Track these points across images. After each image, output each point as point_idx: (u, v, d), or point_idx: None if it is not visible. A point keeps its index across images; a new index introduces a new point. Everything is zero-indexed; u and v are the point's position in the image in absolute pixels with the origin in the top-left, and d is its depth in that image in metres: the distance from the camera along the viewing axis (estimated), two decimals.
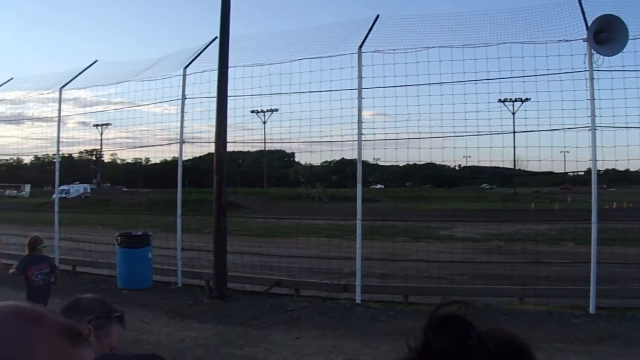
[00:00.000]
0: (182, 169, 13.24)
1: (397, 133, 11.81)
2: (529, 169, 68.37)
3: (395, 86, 11.64)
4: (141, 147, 16.16)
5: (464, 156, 39.17)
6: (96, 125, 27.13)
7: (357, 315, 10.26)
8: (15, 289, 12.05)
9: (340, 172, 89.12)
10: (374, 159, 18.99)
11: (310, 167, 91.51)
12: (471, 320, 1.23)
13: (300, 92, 12.28)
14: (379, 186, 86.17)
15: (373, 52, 11.59)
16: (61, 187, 17.06)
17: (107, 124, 22.46)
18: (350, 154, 12.88)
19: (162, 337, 8.93)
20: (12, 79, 17.59)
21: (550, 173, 57.53)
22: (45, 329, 1.09)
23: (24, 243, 18.23)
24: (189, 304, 11.12)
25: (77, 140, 25.31)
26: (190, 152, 13.61)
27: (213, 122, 12.65)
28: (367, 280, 11.64)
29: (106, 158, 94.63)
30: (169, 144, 14.39)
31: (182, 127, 13.10)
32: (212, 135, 13.11)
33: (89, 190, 70.49)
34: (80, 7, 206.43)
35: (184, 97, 13.10)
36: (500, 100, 12.37)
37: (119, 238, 13.07)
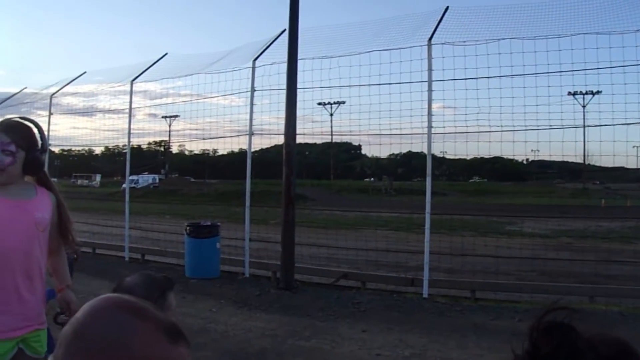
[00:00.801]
0: (251, 161, 13.28)
1: (467, 126, 11.65)
2: (600, 164, 66.74)
3: (465, 79, 11.46)
4: (210, 138, 16.31)
5: (532, 150, 38.58)
6: (165, 117, 27.57)
7: (424, 309, 10.16)
8: (99, 277, 12.37)
9: (407, 164, 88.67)
10: (441, 152, 18.78)
11: (376, 160, 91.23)
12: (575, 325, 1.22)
13: (369, 85, 12.23)
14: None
15: (443, 44, 11.42)
16: (130, 177, 17.36)
17: (176, 116, 22.78)
18: (416, 147, 12.77)
19: (229, 326, 8.99)
20: (85, 72, 17.97)
21: (622, 169, 56.16)
22: (147, 324, 1.15)
23: (95, 231, 18.79)
24: (256, 295, 11.17)
25: (146, 131, 25.73)
26: (258, 143, 13.68)
27: (280, 114, 12.68)
28: (434, 275, 11.50)
29: (174, 149, 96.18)
30: (238, 135, 14.48)
31: (251, 119, 13.14)
32: (280, 127, 13.14)
33: (157, 181, 71.60)
34: (152, 2, 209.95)
35: (253, 90, 13.14)
36: (570, 93, 12.07)
37: (187, 228, 13.22)
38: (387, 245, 17.43)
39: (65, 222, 3.67)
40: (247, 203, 13.23)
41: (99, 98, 18.68)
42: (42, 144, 3.54)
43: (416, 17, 12.59)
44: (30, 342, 3.40)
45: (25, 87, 21.17)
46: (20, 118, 3.61)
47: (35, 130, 3.54)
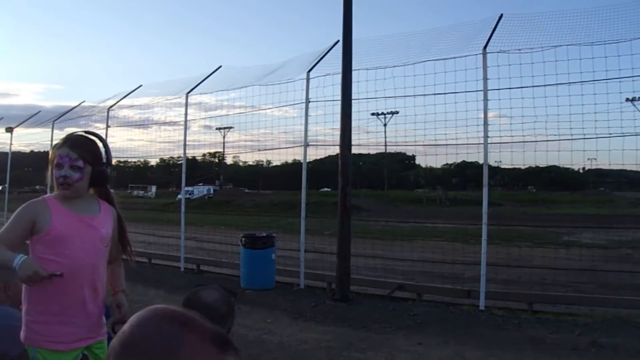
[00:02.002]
0: (306, 172, 13.28)
1: (523, 135, 11.47)
2: None
3: (521, 87, 11.30)
4: (265, 150, 16.40)
5: (589, 159, 37.82)
6: (219, 129, 27.80)
7: (480, 322, 10.01)
8: (154, 287, 12.50)
9: (461, 174, 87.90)
10: (495, 161, 18.57)
11: (430, 170, 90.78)
12: None
13: (424, 95, 12.14)
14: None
15: (498, 52, 11.30)
16: (185, 188, 17.56)
17: (230, 127, 22.95)
18: (470, 157, 12.65)
19: (284, 337, 8.98)
20: (141, 86, 18.33)
21: None
22: (195, 334, 1.15)
23: (151, 242, 18.99)
24: (311, 306, 11.15)
25: (201, 143, 26.02)
26: (312, 154, 13.69)
27: (334, 125, 12.69)
28: (489, 286, 11.31)
29: (228, 160, 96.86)
30: (293, 147, 14.53)
31: (306, 130, 13.16)
32: (334, 138, 13.16)
33: (211, 192, 72.22)
34: (206, 15, 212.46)
35: (307, 101, 13.16)
36: (628, 100, 11.79)
37: (243, 239, 13.28)
38: (442, 257, 17.28)
39: (125, 234, 3.78)
40: (303, 214, 13.22)
41: (154, 110, 18.98)
42: (107, 158, 3.62)
43: (470, 26, 12.51)
44: (93, 348, 3.51)
45: (84, 101, 21.67)
46: (85, 132, 3.67)
47: (100, 144, 3.61)
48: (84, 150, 3.45)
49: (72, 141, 3.47)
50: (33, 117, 24.34)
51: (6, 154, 26.32)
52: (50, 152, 3.55)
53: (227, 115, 17.10)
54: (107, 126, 18.32)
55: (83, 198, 3.53)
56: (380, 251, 16.46)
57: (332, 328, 9.66)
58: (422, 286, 12.41)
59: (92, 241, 3.45)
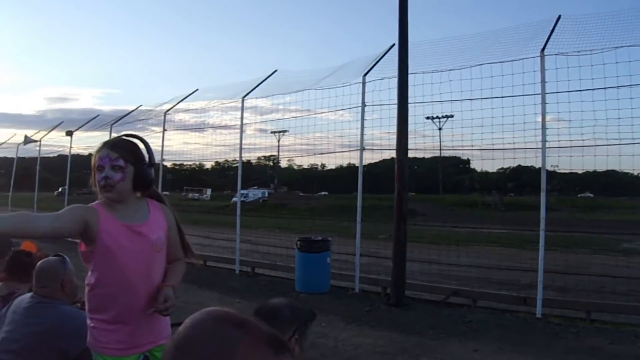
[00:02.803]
0: (362, 176, 13.25)
1: (582, 140, 11.25)
2: None
3: (580, 90, 11.09)
4: (321, 154, 16.42)
5: None
6: (274, 132, 27.96)
7: (537, 330, 9.85)
8: (209, 289, 12.62)
9: (517, 179, 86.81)
10: (552, 166, 18.27)
11: (485, 174, 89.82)
12: None
13: (481, 99, 12.03)
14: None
15: (556, 54, 11.11)
16: (240, 191, 17.72)
17: (284, 131, 23.07)
18: (526, 161, 12.46)
19: (338, 342, 8.97)
20: (197, 90, 18.57)
21: None
22: (250, 335, 1.15)
23: (206, 244, 19.16)
24: (366, 310, 11.12)
25: (255, 146, 26.20)
26: (366, 158, 13.63)
27: (390, 129, 12.67)
28: (546, 294, 11.10)
29: (283, 163, 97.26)
30: (349, 151, 14.52)
31: (362, 134, 13.13)
32: (389, 142, 13.14)
33: (266, 195, 72.52)
34: (262, 19, 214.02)
35: (363, 105, 13.14)
36: None
37: (298, 243, 13.32)
38: (498, 262, 17.09)
39: (182, 234, 3.71)
40: (358, 218, 13.19)
41: (209, 114, 19.20)
42: (149, 158, 3.54)
43: (527, 28, 12.33)
44: (154, 352, 3.46)
45: (141, 105, 22.07)
46: (125, 135, 3.63)
47: (141, 145, 3.57)
48: (123, 149, 3.38)
49: (111, 143, 3.42)
50: (92, 120, 24.82)
51: (66, 156, 26.90)
52: (91, 158, 3.45)
53: (284, 119, 17.18)
54: (164, 129, 18.59)
55: (129, 203, 3.44)
56: (435, 256, 16.35)
57: (386, 333, 9.62)
58: (478, 292, 12.25)
59: (142, 250, 3.38)
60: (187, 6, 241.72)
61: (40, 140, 28.84)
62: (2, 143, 35.25)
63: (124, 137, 3.57)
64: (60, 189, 47.67)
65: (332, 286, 13.06)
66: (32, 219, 3.08)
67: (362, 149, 13.16)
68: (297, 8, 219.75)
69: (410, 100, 12.22)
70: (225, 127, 18.10)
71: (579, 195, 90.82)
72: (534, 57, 11.26)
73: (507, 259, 17.50)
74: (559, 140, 11.43)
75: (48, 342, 4.08)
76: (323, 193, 79.88)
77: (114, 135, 20.46)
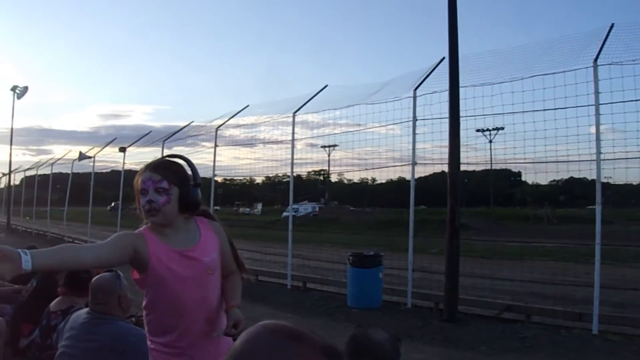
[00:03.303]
0: (414, 191, 13.19)
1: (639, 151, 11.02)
2: None
3: (636, 100, 10.86)
4: (373, 168, 16.42)
5: None
6: (324, 147, 28.02)
7: (594, 347, 9.62)
8: (261, 303, 12.65)
9: (569, 191, 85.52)
10: (605, 177, 17.98)
11: (537, 187, 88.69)
12: None
13: (533, 111, 11.88)
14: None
15: (609, 64, 10.92)
16: (292, 206, 17.82)
17: (334, 145, 23.12)
18: (580, 173, 12.24)
19: None
20: (248, 106, 18.78)
21: None
22: (305, 347, 1.18)
23: (257, 258, 19.23)
24: (419, 326, 11.04)
25: (305, 161, 26.30)
26: (420, 171, 13.60)
27: (441, 142, 12.61)
28: (602, 309, 10.86)
29: (333, 178, 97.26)
30: (401, 165, 14.49)
31: (413, 148, 13.11)
32: (440, 156, 13.06)
33: (316, 209, 72.49)
34: (310, 36, 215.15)
35: (414, 119, 13.12)
36: None
37: (350, 258, 13.31)
38: (551, 277, 16.80)
39: (235, 249, 3.60)
40: (411, 233, 13.13)
41: (259, 129, 19.36)
42: (194, 178, 3.38)
43: (579, 38, 12.15)
44: None
45: (192, 121, 22.37)
46: (167, 157, 3.54)
47: (184, 165, 3.44)
48: (166, 170, 3.27)
49: (153, 165, 3.31)
50: (144, 137, 25.24)
51: (118, 172, 27.40)
52: (134, 181, 3.34)
53: (334, 134, 17.24)
54: (215, 145, 18.80)
55: (178, 226, 3.30)
56: (487, 270, 16.16)
57: (439, 349, 9.54)
58: (531, 307, 12.05)
59: (196, 275, 3.27)
60: (236, 23, 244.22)
61: (94, 157, 29.39)
62: (58, 159, 36.09)
63: (166, 158, 3.49)
64: (112, 204, 48.50)
65: (383, 301, 13.00)
66: (78, 251, 3.07)
67: (414, 163, 13.12)
68: (346, 23, 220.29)
69: (461, 113, 12.16)
70: (276, 142, 18.25)
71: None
72: (586, 67, 11.08)
73: (561, 273, 17.16)
74: (614, 152, 11.22)
75: (106, 358, 4.13)
76: (373, 207, 79.49)
77: (167, 151, 20.87)
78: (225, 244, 3.52)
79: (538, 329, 10.87)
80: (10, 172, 46.94)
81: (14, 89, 44.53)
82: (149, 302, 3.31)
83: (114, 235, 3.18)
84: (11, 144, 46.72)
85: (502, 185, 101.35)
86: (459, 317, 11.46)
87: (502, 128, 13.43)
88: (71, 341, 4.33)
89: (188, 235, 3.35)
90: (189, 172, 3.40)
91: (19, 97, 44.72)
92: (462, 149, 12.50)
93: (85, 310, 4.55)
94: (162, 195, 3.19)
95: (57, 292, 5.82)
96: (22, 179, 47.75)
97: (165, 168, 3.29)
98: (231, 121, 19.04)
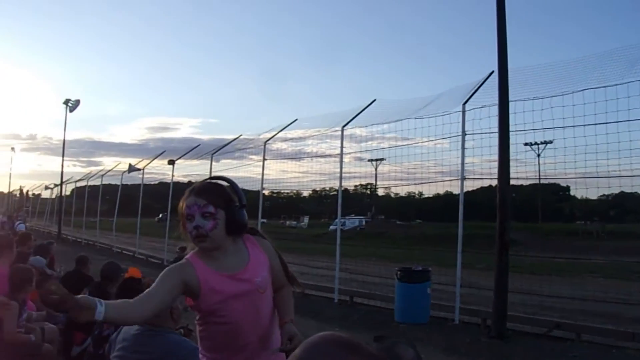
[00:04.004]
0: (463, 206, 13.12)
1: None
2: None
3: None
4: (422, 183, 16.40)
5: None
6: (370, 160, 28.00)
7: None
8: (308, 317, 12.67)
9: (619, 206, 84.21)
10: None
11: (586, 201, 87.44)
12: None
13: (584, 125, 11.71)
14: None
15: None
16: (339, 219, 17.87)
17: (382, 159, 23.11)
18: (632, 188, 12.02)
19: None
20: (296, 120, 18.84)
21: None
22: (362, 357, 1.23)
23: (303, 272, 19.28)
24: (466, 342, 10.96)
25: (352, 174, 26.34)
26: (468, 185, 13.52)
27: (490, 157, 12.52)
28: None
29: (380, 192, 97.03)
30: (450, 179, 14.45)
31: (462, 163, 13.06)
32: (488, 170, 12.98)
33: (363, 223, 72.30)
34: (358, 48, 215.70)
35: (464, 133, 13.07)
36: None
37: (398, 272, 13.28)
38: (601, 294, 16.54)
39: (284, 262, 3.57)
40: (459, 248, 13.05)
41: (306, 142, 19.46)
42: (239, 199, 3.36)
43: (631, 50, 11.90)
44: None
45: (241, 135, 22.57)
46: (209, 179, 3.53)
47: (227, 186, 3.41)
48: (211, 194, 3.23)
49: (197, 189, 3.27)
50: (193, 149, 25.54)
51: (166, 183, 27.80)
52: (178, 207, 3.33)
53: (383, 148, 17.29)
54: (264, 159, 18.93)
55: (227, 249, 3.27)
56: (535, 287, 15.97)
57: None
58: (582, 326, 11.82)
59: (249, 297, 3.27)
60: (282, 38, 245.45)
61: (143, 169, 29.83)
62: (108, 171, 36.68)
63: (209, 181, 3.47)
64: (160, 215, 49.05)
65: (430, 317, 12.92)
66: (141, 306, 3.06)
67: (463, 178, 13.06)
68: (392, 34, 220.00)
69: (510, 127, 12.07)
70: (323, 155, 18.32)
71: None
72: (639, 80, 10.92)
73: (612, 290, 16.91)
74: None
75: None
76: (419, 221, 79.08)
77: (215, 164, 21.08)
78: (274, 259, 3.50)
79: (589, 348, 10.68)
80: (61, 183, 47.93)
81: (66, 102, 45.51)
82: (203, 322, 3.32)
83: (161, 275, 3.18)
84: (63, 156, 47.66)
85: (550, 199, 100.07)
86: (507, 335, 11.32)
87: (551, 142, 13.31)
88: (123, 352, 4.41)
89: (237, 257, 3.33)
90: (232, 192, 3.39)
91: (71, 110, 45.76)
92: (512, 164, 12.43)
93: None
94: (209, 220, 3.17)
95: None
96: (73, 189, 48.75)
97: (209, 192, 3.27)
98: (279, 135, 19.18)
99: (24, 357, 6.57)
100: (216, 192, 3.29)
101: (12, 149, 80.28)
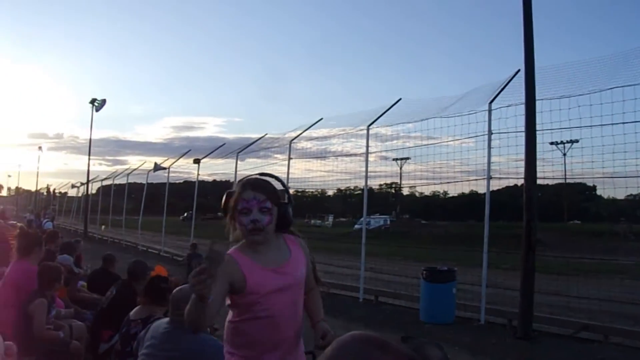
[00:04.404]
0: (489, 206, 13.04)
1: None
2: None
3: None
4: (447, 182, 16.35)
5: None
6: (395, 159, 27.96)
7: None
8: (333, 316, 12.65)
9: None
10: None
11: (613, 201, 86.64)
12: None
13: (612, 124, 11.59)
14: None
15: None
16: (364, 218, 17.86)
17: (406, 158, 23.04)
18: None
19: None
20: (321, 119, 18.84)
21: None
22: (392, 356, 1.24)
23: (329, 271, 19.27)
24: (492, 343, 10.91)
25: (377, 173, 26.30)
26: (494, 185, 13.44)
27: (517, 156, 12.45)
28: None
29: (405, 191, 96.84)
30: (476, 179, 14.38)
31: (489, 162, 13.00)
32: (515, 170, 12.93)
33: (388, 222, 72.16)
34: (385, 48, 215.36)
35: (490, 132, 13.00)
36: None
37: (424, 272, 13.27)
38: (629, 295, 16.37)
39: (314, 264, 3.67)
40: (485, 248, 12.98)
41: (331, 142, 19.45)
42: (288, 197, 3.48)
43: None
44: None
45: (266, 134, 22.64)
46: (260, 175, 3.55)
47: (277, 183, 3.51)
48: (268, 191, 3.31)
49: (253, 184, 3.32)
50: (218, 148, 25.63)
51: (191, 182, 27.94)
52: (225, 201, 3.37)
53: (409, 147, 17.24)
54: (290, 158, 18.94)
55: (270, 245, 3.35)
56: (561, 287, 15.84)
57: None
58: (610, 327, 11.69)
59: (290, 290, 3.34)
60: (309, 37, 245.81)
61: (169, 168, 29.98)
62: (134, 169, 36.92)
63: (261, 178, 3.49)
64: (185, 214, 49.35)
65: (456, 317, 12.88)
66: (215, 308, 3.11)
67: (490, 177, 12.98)
68: (419, 33, 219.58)
69: (538, 127, 11.98)
70: (348, 154, 18.30)
71: None
72: None
73: (637, 291, 16.73)
74: None
75: None
76: (444, 221, 78.78)
77: (240, 163, 21.11)
78: (310, 258, 3.60)
79: (617, 350, 10.56)
80: (88, 181, 48.32)
81: (92, 101, 45.90)
82: (238, 317, 3.34)
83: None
84: (89, 155, 47.98)
85: (576, 199, 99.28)
86: (533, 335, 11.25)
87: (577, 141, 13.21)
88: (152, 350, 4.43)
89: (279, 252, 3.41)
90: (281, 189, 3.50)
91: (97, 110, 46.13)
92: (542, 163, 12.36)
93: (166, 320, 4.65)
94: (266, 215, 3.25)
95: (136, 301, 5.98)
96: (99, 188, 49.14)
97: (266, 188, 3.34)
98: (304, 134, 19.18)
99: (52, 354, 6.63)
100: (271, 189, 3.38)
101: (40, 148, 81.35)
